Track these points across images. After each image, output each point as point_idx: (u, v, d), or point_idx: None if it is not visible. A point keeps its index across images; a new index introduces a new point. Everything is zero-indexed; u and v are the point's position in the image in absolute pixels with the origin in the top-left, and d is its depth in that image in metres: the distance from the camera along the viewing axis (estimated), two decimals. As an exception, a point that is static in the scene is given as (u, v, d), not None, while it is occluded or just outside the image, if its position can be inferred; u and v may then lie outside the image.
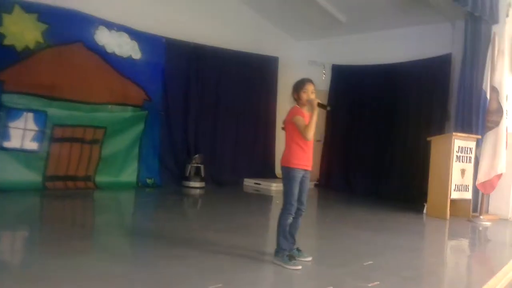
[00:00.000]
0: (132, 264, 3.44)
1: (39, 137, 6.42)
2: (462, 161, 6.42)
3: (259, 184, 8.66)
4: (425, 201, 6.56)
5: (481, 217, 6.26)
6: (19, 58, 6.20)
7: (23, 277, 2.90)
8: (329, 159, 9.36)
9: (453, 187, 6.28)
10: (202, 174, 8.15)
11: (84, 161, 6.86)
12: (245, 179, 8.92)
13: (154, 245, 3.95)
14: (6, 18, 6.11)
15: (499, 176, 6.28)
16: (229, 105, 8.86)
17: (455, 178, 6.32)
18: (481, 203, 6.40)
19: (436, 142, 6.52)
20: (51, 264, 3.17)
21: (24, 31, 6.20)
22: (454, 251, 4.92)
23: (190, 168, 8.10)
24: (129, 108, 7.35)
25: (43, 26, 6.38)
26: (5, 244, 3.92)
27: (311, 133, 3.48)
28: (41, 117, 6.40)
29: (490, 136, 6.30)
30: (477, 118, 6.64)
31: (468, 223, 6.12)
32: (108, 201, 6.53)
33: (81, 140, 6.81)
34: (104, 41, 7.00)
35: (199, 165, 8.14)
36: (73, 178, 6.75)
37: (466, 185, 6.44)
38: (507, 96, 6.32)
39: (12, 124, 6.20)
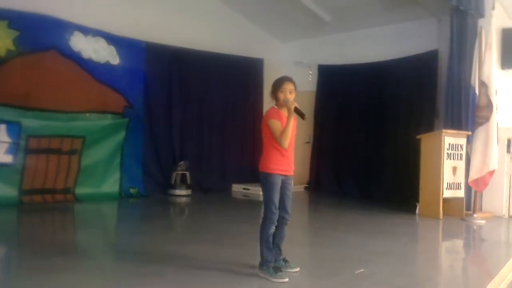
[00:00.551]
0: (110, 282, 3.23)
1: (13, 149, 6.15)
2: (453, 159, 6.26)
3: (248, 189, 8.44)
4: (417, 200, 6.39)
5: (475, 215, 6.10)
6: (-10, 67, 5.94)
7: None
8: (318, 161, 9.17)
9: (445, 185, 6.12)
10: (188, 181, 7.92)
11: (63, 173, 6.60)
12: (233, 185, 8.71)
13: (133, 262, 3.70)
14: (-26, 26, 5.86)
15: (492, 172, 6.13)
16: (214, 109, 8.65)
17: (447, 176, 6.16)
18: (474, 201, 6.25)
19: (426, 140, 6.36)
20: (29, 282, 3.07)
21: (-7, 39, 5.95)
22: (449, 254, 4.72)
23: (175, 176, 7.86)
24: (109, 115, 7.11)
25: (14, 33, 6.12)
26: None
27: (286, 141, 3.24)
28: (14, 128, 6.13)
29: (480, 132, 6.14)
30: (466, 114, 6.51)
31: (462, 222, 5.96)
32: (88, 214, 6.27)
33: (59, 151, 6.55)
34: (80, 46, 6.76)
35: (185, 172, 7.91)
36: (52, 191, 6.49)
37: (458, 183, 6.28)
38: (496, 91, 6.17)
39: (-17, 137, 5.93)
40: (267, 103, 8.53)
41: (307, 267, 3.64)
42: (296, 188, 8.85)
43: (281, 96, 3.30)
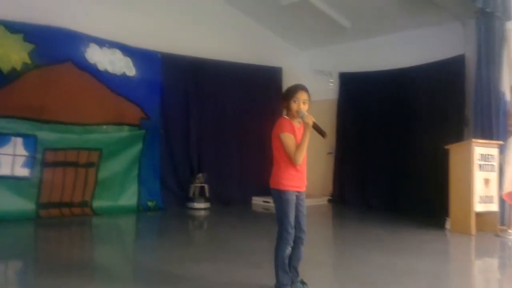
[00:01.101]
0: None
1: (30, 162, 6.13)
2: (485, 170, 5.89)
3: (268, 202, 8.17)
4: (447, 215, 6.02)
5: (510, 231, 5.70)
6: (6, 81, 5.94)
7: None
8: (341, 173, 8.86)
9: (477, 199, 5.75)
10: (207, 194, 7.77)
11: (80, 186, 6.54)
12: (254, 198, 8.48)
13: (147, 282, 3.55)
14: (-10, 40, 5.86)
15: (527, 185, 5.74)
16: (233, 119, 8.46)
17: (479, 189, 5.79)
18: (509, 215, 5.86)
19: (455, 151, 6.01)
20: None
21: (9, 52, 5.96)
22: (483, 273, 4.37)
23: (193, 188, 7.72)
24: (126, 127, 7.03)
25: (30, 46, 6.12)
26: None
27: (301, 158, 3.01)
28: (30, 141, 6.11)
29: (514, 141, 5.78)
30: (497, 122, 6.19)
31: (496, 239, 5.58)
32: (106, 228, 6.19)
33: (75, 164, 6.50)
34: (96, 58, 6.72)
35: (203, 184, 7.76)
36: (69, 205, 6.44)
37: (491, 196, 5.89)
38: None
39: (0, 151, 5.90)
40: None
41: (328, 290, 3.40)
42: (319, 200, 8.59)
43: (294, 106, 3.05)
